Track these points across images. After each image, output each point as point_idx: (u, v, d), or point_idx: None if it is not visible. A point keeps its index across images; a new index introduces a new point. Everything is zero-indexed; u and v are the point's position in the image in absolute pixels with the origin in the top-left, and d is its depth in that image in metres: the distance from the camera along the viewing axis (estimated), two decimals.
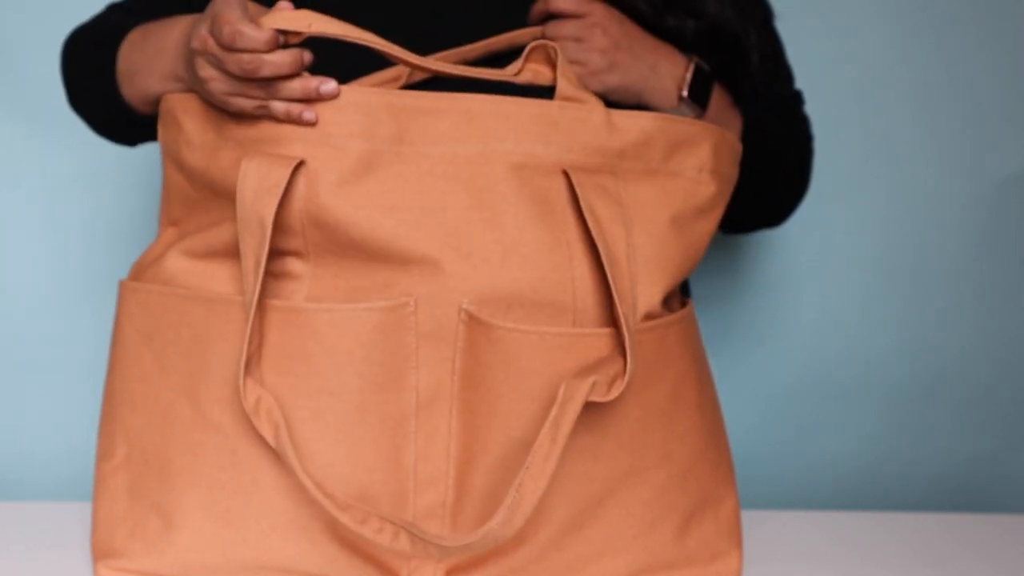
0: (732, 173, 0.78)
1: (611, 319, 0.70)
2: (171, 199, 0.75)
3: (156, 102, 0.77)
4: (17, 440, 1.22)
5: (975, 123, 1.32)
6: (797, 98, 0.98)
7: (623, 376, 0.66)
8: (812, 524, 0.93)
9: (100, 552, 0.72)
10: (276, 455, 0.67)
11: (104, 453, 0.73)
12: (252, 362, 0.66)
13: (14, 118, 1.20)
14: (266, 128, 0.68)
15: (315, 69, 0.67)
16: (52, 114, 1.20)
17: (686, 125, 0.74)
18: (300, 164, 0.66)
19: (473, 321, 0.67)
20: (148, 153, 1.16)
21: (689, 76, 0.81)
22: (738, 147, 0.78)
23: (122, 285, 0.73)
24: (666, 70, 0.81)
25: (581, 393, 0.64)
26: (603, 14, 0.78)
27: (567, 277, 0.69)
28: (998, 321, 1.34)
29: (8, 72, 1.20)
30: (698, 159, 0.74)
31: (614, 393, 0.65)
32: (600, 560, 0.72)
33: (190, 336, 0.69)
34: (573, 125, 0.70)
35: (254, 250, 0.65)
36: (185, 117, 0.71)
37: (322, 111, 0.66)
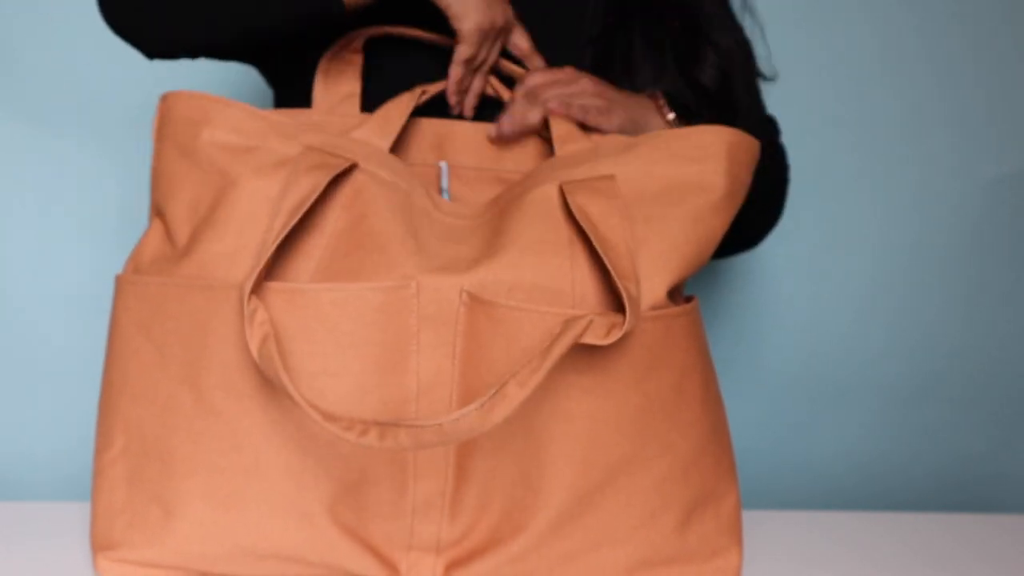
0: (745, 176, 0.79)
1: (611, 307, 0.70)
2: (160, 185, 0.75)
3: None
4: (17, 440, 1.22)
5: (967, 124, 1.32)
6: (772, 124, 0.99)
7: (621, 326, 0.66)
8: (810, 524, 0.93)
9: (99, 544, 0.72)
10: (278, 437, 0.68)
11: (102, 445, 0.73)
12: (260, 282, 0.67)
13: (14, 118, 1.21)
14: (313, 138, 0.73)
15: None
16: (52, 114, 1.20)
17: (696, 133, 0.76)
18: (353, 167, 0.72)
19: (475, 302, 0.68)
20: (149, 151, 1.16)
21: (663, 102, 0.86)
22: (755, 150, 0.79)
23: (118, 279, 0.74)
24: (645, 103, 0.86)
25: (578, 326, 0.65)
26: (573, 69, 0.85)
27: (566, 265, 0.70)
28: (994, 319, 1.34)
29: (8, 73, 1.20)
30: (714, 160, 0.75)
31: (611, 339, 0.66)
32: (599, 550, 0.72)
33: (190, 324, 0.69)
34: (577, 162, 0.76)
35: (279, 232, 0.68)
36: (220, 115, 0.72)
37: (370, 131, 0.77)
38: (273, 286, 0.68)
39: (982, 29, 1.32)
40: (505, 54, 0.87)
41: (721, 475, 0.77)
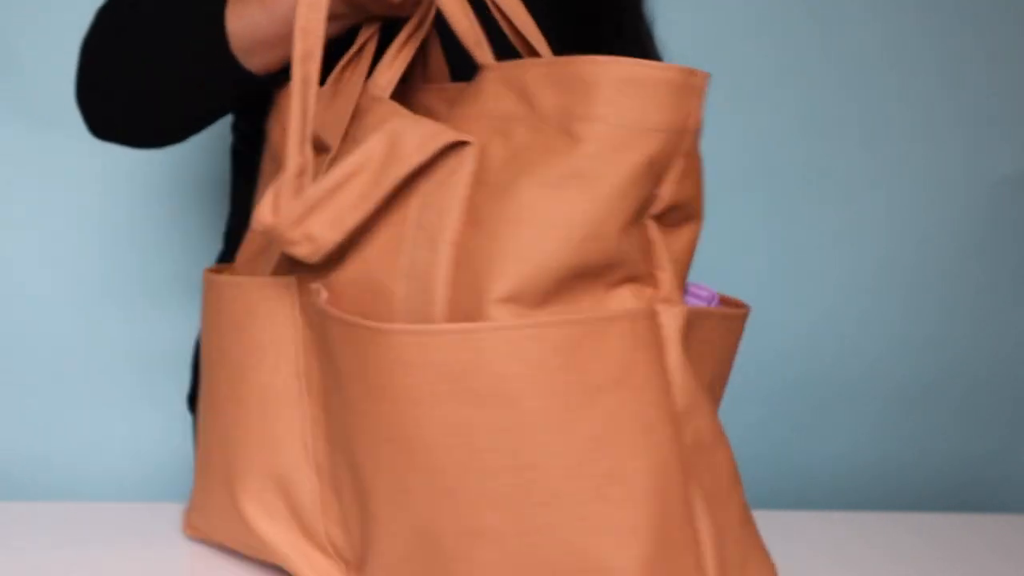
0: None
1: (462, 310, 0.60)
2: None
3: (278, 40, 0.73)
4: (17, 440, 1.22)
5: (972, 125, 1.32)
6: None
7: None
8: (810, 524, 0.93)
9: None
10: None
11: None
12: None
13: (14, 118, 1.21)
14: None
15: None
16: (52, 114, 1.20)
17: (577, 64, 0.57)
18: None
19: (322, 312, 0.62)
20: (150, 152, 1.16)
21: None
22: None
23: (204, 275, 0.74)
24: None
25: None
26: None
27: (405, 262, 0.60)
28: (997, 321, 1.34)
29: (8, 73, 1.20)
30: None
31: None
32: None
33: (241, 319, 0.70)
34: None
35: None
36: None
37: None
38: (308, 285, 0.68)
39: (991, 29, 1.31)
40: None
41: None
